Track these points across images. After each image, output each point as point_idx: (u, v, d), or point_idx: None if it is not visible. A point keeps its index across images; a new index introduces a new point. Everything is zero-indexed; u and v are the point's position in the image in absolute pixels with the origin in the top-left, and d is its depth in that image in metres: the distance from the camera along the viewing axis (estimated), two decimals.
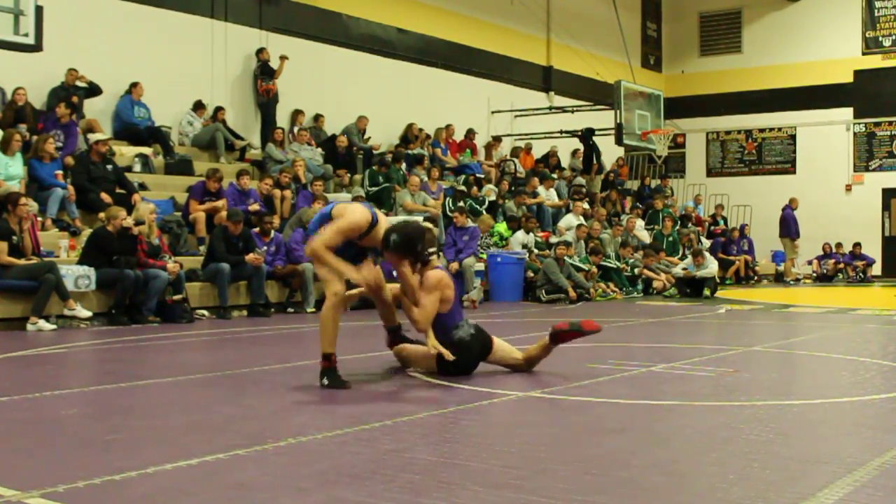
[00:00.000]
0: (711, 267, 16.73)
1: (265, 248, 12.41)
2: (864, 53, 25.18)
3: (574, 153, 22.56)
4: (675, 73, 27.64)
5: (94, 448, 4.11)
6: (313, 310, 12.44)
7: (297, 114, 16.80)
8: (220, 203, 12.78)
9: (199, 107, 15.51)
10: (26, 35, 10.37)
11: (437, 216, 15.28)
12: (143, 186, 13.05)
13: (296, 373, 6.55)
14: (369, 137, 17.97)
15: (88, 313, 10.12)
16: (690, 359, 7.27)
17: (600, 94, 22.40)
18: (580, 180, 20.90)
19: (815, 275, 22.96)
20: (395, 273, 6.08)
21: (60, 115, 12.62)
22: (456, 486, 3.45)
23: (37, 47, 10.57)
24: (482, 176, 18.31)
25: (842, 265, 23.12)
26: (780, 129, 26.35)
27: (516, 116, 22.24)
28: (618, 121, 19.47)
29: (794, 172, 26.00)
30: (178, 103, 15.32)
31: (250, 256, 11.71)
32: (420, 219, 14.79)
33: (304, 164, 15.16)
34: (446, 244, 14.66)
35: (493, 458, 3.87)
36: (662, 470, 3.68)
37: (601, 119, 21.54)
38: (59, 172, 11.94)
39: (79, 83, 13.58)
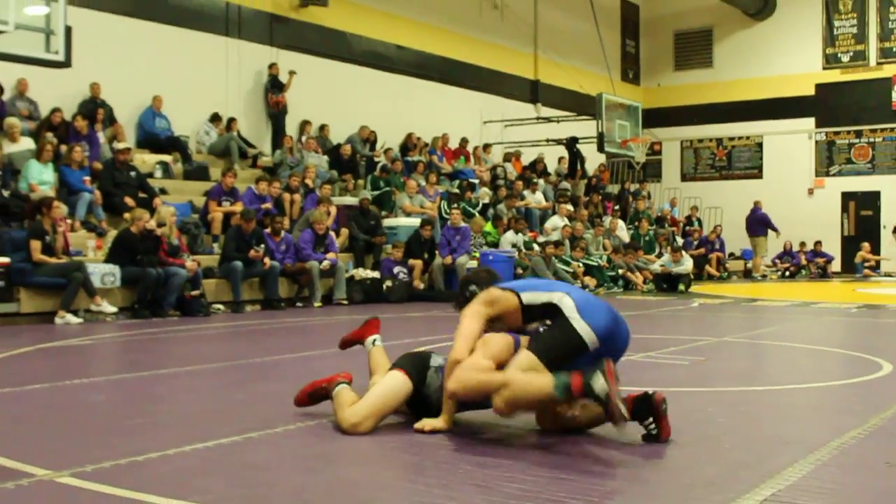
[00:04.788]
0: (687, 264, 16.79)
1: (281, 246, 12.45)
2: (824, 68, 25.25)
3: (560, 160, 22.55)
4: (651, 87, 27.66)
5: (119, 431, 4.11)
6: (320, 304, 12.46)
7: (304, 124, 16.78)
8: (238, 206, 12.80)
9: (214, 118, 15.51)
10: (56, 53, 10.39)
11: (433, 218, 15.29)
12: (163, 191, 13.05)
13: (304, 362, 6.57)
14: (384, 143, 17.96)
15: (113, 309, 10.13)
16: (666, 348, 7.28)
17: (583, 105, 22.40)
18: (565, 185, 20.91)
19: (779, 272, 23.00)
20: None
21: (79, 127, 12.64)
22: (451, 465, 3.47)
23: (66, 63, 10.59)
24: (476, 181, 18.33)
25: (804, 263, 23.17)
26: (748, 138, 26.39)
27: (506, 126, 22.24)
28: (599, 130, 19.49)
29: (760, 177, 26.04)
30: (196, 115, 15.31)
31: (251, 253, 11.71)
32: (416, 221, 14.85)
33: (315, 169, 15.19)
34: (441, 243, 14.67)
35: (483, 441, 3.88)
36: (640, 451, 3.69)
37: (584, 128, 21.55)
38: (87, 178, 11.96)
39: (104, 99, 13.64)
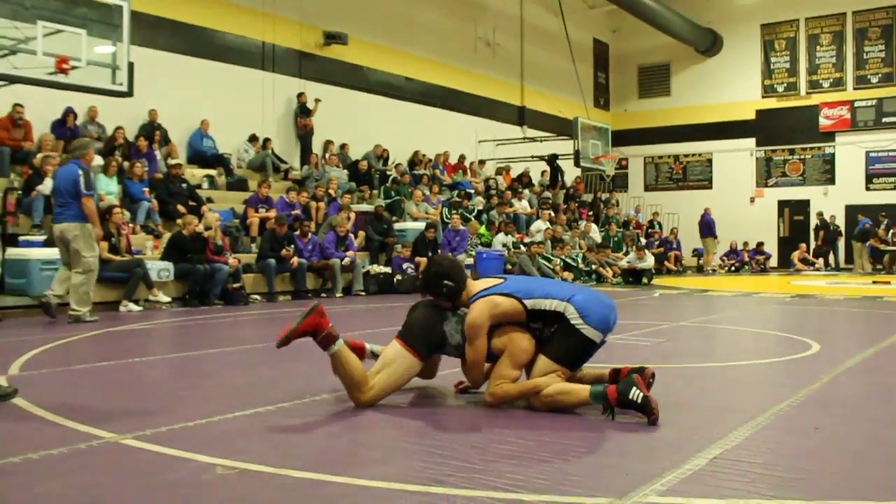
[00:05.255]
0: (649, 260, 16.78)
1: (308, 246, 12.45)
2: (763, 97, 25.26)
3: (542, 173, 22.57)
4: (619, 112, 27.66)
5: (173, 401, 4.12)
6: (341, 294, 12.47)
7: (328, 143, 16.80)
8: (272, 213, 12.82)
9: (252, 138, 15.51)
10: (121, 84, 10.41)
11: (436, 222, 15.30)
12: (209, 200, 13.06)
13: None
14: (395, 159, 17.97)
15: (168, 299, 10.14)
16: (632, 332, 7.28)
17: (562, 127, 22.41)
18: (547, 194, 20.90)
19: (725, 268, 23.01)
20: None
21: (140, 146, 12.69)
22: (452, 430, 3.49)
23: (129, 93, 10.60)
24: (472, 191, 18.34)
25: (747, 260, 23.19)
26: (700, 155, 26.39)
27: (497, 145, 22.25)
28: (576, 148, 19.47)
29: (710, 188, 26.05)
30: (237, 135, 15.32)
31: (283, 252, 11.75)
32: (422, 225, 14.84)
33: (337, 181, 15.19)
34: (443, 244, 14.67)
35: (479, 411, 3.88)
36: (611, 420, 3.69)
37: (563, 146, 21.55)
38: (146, 189, 11.98)
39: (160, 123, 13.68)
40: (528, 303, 3.83)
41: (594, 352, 3.89)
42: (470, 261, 14.66)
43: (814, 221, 23.84)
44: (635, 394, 3.50)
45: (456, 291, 3.94)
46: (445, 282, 3.92)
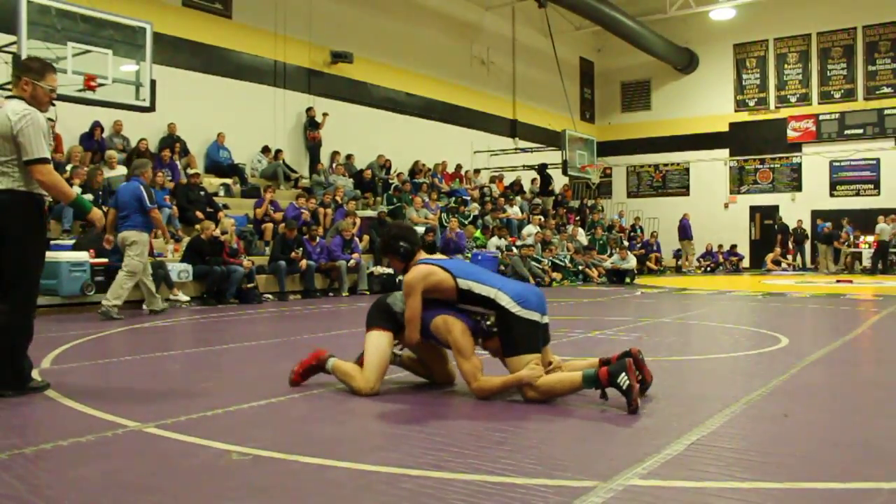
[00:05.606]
0: (632, 261, 16.78)
1: (317, 249, 12.43)
2: (735, 111, 25.28)
3: (533, 181, 22.56)
4: (604, 125, 27.67)
5: (193, 393, 4.12)
6: (347, 294, 12.46)
7: (335, 154, 16.78)
8: (278, 215, 12.81)
9: (265, 150, 15.50)
10: (144, 100, 10.42)
11: (435, 226, 15.29)
12: (225, 206, 13.03)
13: (335, 338, 6.56)
14: (396, 169, 17.97)
15: (187, 298, 10.12)
16: (617, 327, 7.29)
17: (551, 139, 22.41)
18: (537, 200, 20.90)
19: (702, 268, 23.02)
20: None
21: (163, 157, 12.70)
22: (449, 419, 3.48)
23: (151, 108, 10.61)
24: (468, 198, 18.33)
25: (722, 261, 23.20)
26: (678, 164, 26.40)
27: (491, 155, 22.24)
28: (564, 158, 19.50)
29: (688, 195, 26.06)
30: (251, 147, 15.31)
31: (293, 255, 11.74)
32: (422, 229, 14.84)
33: (343, 189, 15.18)
34: (441, 246, 14.65)
35: (473, 401, 3.88)
36: (595, 408, 3.69)
37: (552, 157, 21.56)
38: (167, 197, 11.96)
39: (180, 135, 13.67)
40: (462, 283, 3.86)
41: (546, 330, 3.87)
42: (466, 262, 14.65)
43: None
44: (622, 379, 3.50)
45: (411, 252, 4.06)
46: (401, 243, 4.05)
